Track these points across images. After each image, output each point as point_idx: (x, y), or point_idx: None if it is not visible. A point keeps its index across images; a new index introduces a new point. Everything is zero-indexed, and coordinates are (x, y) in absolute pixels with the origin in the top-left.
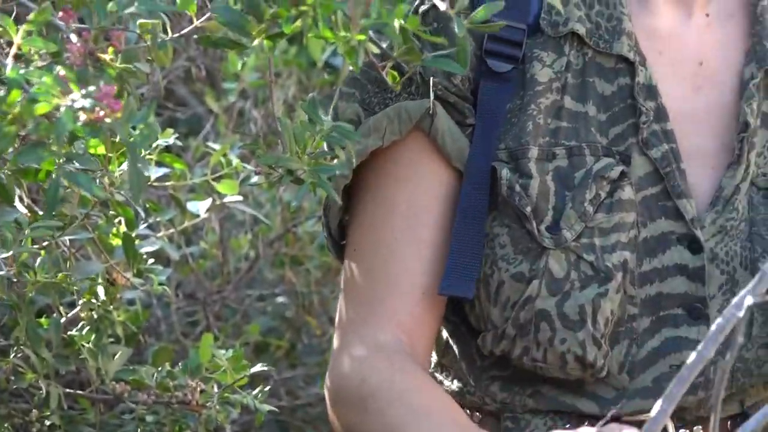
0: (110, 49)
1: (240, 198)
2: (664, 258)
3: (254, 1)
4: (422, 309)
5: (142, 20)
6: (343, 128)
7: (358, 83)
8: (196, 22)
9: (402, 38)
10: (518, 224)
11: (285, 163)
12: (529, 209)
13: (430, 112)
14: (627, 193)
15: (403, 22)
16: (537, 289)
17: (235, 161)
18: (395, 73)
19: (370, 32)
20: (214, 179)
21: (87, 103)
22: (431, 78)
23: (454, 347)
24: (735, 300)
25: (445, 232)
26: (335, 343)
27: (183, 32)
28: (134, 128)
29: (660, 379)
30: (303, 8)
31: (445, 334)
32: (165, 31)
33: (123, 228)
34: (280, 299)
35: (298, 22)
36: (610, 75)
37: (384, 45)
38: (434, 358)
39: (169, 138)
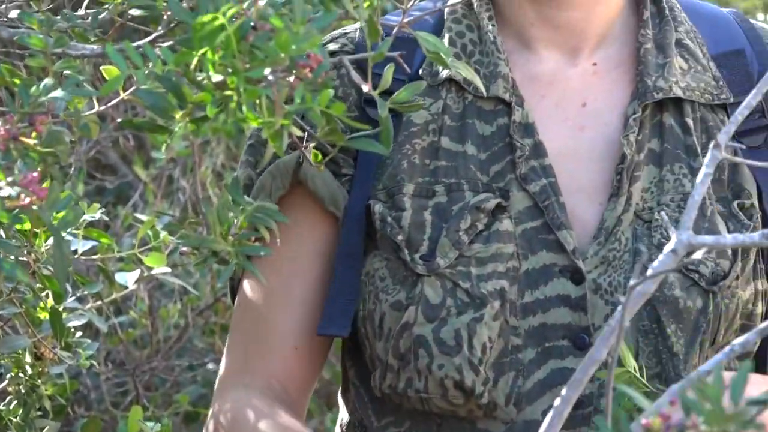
0: (33, 134)
1: (168, 269)
2: (546, 289)
3: (177, 85)
4: (296, 360)
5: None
6: (267, 208)
7: (254, 149)
8: (123, 95)
9: (326, 121)
10: (395, 255)
11: (209, 245)
12: (400, 238)
13: (300, 160)
14: (505, 225)
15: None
16: (414, 316)
17: (163, 234)
18: (318, 153)
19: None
20: (141, 252)
21: (12, 191)
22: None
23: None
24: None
25: (324, 285)
26: (215, 390)
27: (110, 104)
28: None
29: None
30: (227, 93)
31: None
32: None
33: (50, 302)
34: (210, 366)
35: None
36: (490, 117)
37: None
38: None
39: (96, 213)
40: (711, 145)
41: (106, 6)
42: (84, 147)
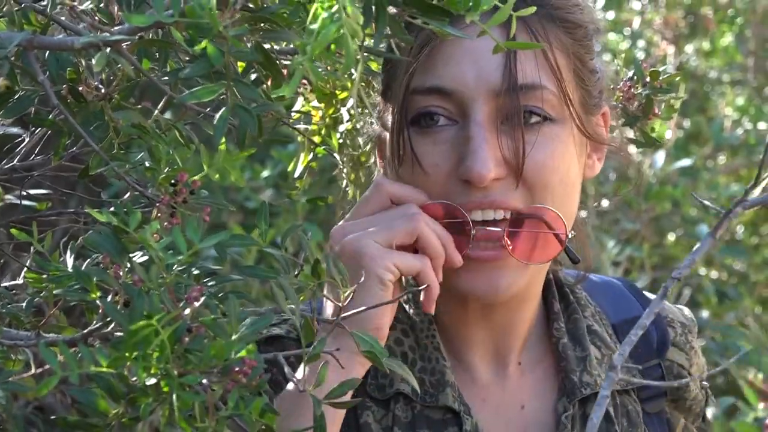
0: None
1: None
2: None
3: (111, 384)
4: None
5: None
6: None
7: None
8: None
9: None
10: None
11: None
12: None
13: None
14: None
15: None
16: None
17: None
18: None
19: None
20: None
21: None
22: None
23: None
24: None
25: None
26: None
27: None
28: None
29: None
30: (162, 396)
31: None
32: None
33: None
34: None
35: (158, 412)
36: (439, 426)
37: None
38: None
39: None
40: (606, 367)
41: (41, 293)
42: (21, 402)
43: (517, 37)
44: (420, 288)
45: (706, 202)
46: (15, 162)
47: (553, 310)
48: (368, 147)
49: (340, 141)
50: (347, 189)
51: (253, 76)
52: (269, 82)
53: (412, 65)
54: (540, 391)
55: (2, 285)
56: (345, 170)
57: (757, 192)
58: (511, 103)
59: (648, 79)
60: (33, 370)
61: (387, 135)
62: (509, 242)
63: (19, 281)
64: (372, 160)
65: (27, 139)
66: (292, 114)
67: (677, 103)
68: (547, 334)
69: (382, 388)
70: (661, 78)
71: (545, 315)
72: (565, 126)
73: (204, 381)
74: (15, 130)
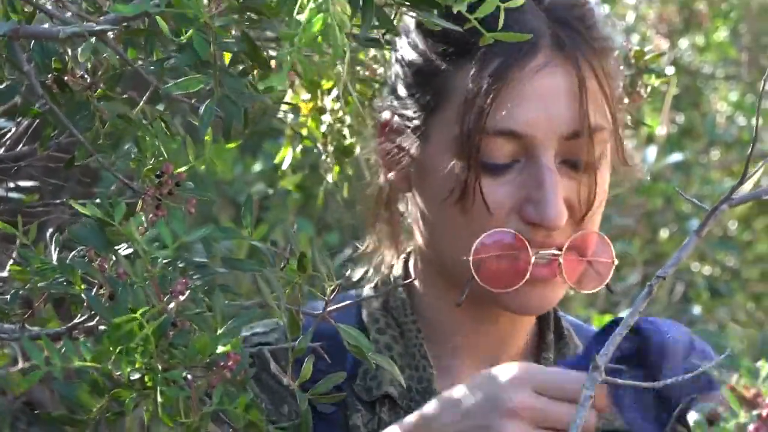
0: None
1: None
2: None
3: (95, 379)
4: None
5: None
6: None
7: None
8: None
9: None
10: None
11: None
12: None
13: None
14: None
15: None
16: None
17: None
18: None
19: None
20: None
21: None
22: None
23: None
24: None
25: None
26: None
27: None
28: None
29: None
30: (146, 391)
31: None
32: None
33: None
34: None
35: (143, 407)
36: None
37: None
38: None
39: None
40: (590, 366)
41: (26, 285)
42: (10, 397)
43: (586, 77)
44: (408, 280)
45: (694, 200)
46: (1, 152)
47: (545, 341)
48: (354, 139)
49: (324, 131)
50: (329, 179)
51: (240, 67)
52: (255, 73)
53: (487, 107)
54: None
55: None
56: (329, 161)
57: (747, 188)
58: (579, 148)
59: (633, 61)
60: (21, 364)
61: (428, 161)
62: (563, 264)
63: (5, 274)
64: (357, 151)
65: (13, 129)
66: (282, 107)
67: (671, 88)
68: (535, 361)
69: (369, 390)
70: (646, 58)
71: (537, 343)
72: (608, 154)
73: (188, 376)
74: (0, 121)
